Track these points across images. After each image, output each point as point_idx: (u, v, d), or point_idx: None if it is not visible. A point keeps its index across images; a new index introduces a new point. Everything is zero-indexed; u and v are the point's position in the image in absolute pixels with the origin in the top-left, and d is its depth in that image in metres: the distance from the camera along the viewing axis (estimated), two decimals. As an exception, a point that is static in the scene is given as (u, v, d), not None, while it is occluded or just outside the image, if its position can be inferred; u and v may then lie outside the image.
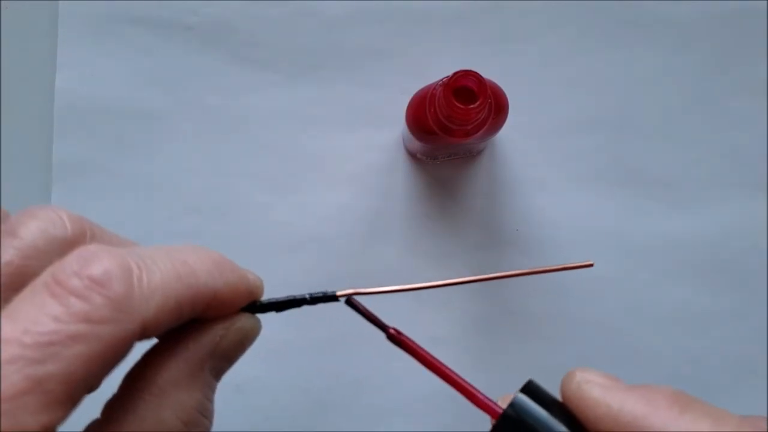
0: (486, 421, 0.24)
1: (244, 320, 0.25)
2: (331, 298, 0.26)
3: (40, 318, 0.19)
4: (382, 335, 0.25)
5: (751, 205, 0.49)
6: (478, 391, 0.24)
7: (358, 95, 0.49)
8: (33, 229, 0.22)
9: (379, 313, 0.26)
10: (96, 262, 0.20)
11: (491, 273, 0.48)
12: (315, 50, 0.49)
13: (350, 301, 0.25)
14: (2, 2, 0.49)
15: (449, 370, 0.24)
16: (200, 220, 0.49)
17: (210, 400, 0.23)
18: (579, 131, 0.49)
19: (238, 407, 0.48)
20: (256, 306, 0.25)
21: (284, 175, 0.49)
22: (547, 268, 0.27)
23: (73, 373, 0.19)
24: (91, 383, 0.20)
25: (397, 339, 0.25)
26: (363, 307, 0.25)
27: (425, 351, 0.24)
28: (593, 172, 0.49)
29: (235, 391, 0.48)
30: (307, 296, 0.25)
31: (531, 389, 0.24)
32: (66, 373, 0.19)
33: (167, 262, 0.22)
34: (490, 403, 0.23)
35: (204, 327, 0.24)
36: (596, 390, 0.23)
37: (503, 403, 0.23)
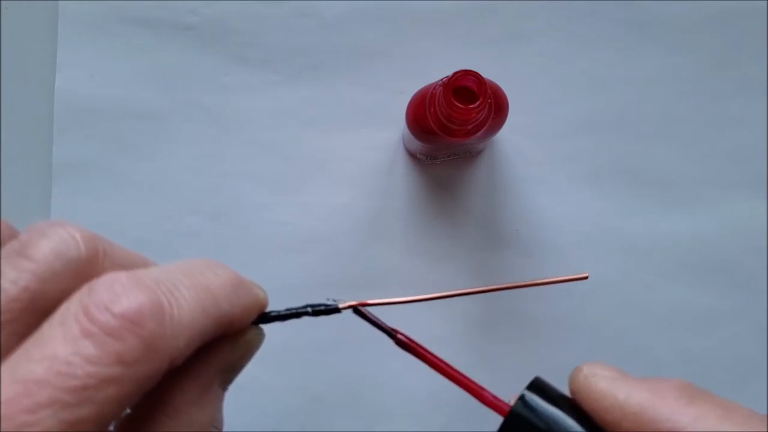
0: (484, 421, 0.24)
1: (250, 333, 0.25)
2: (334, 310, 0.26)
3: (73, 359, 0.19)
4: (380, 335, 0.26)
5: (751, 205, 0.49)
6: (486, 391, 0.24)
7: (358, 95, 0.49)
8: (46, 250, 0.21)
9: (382, 314, 0.26)
10: (127, 296, 0.20)
11: (491, 273, 0.48)
12: (314, 50, 0.49)
13: (357, 310, 0.26)
14: (2, 2, 0.49)
15: (457, 371, 0.25)
16: (200, 221, 0.49)
17: (220, 410, 0.24)
18: (579, 131, 0.49)
19: (239, 407, 0.48)
20: (262, 318, 0.25)
21: (284, 175, 0.49)
22: (543, 281, 0.28)
23: (105, 413, 0.19)
24: (119, 416, 0.20)
25: (405, 344, 0.25)
26: (371, 314, 0.26)
27: (433, 354, 0.25)
28: (593, 172, 0.49)
29: (236, 391, 0.48)
30: (309, 309, 0.26)
31: (538, 385, 0.24)
32: (99, 415, 0.19)
33: (192, 291, 0.21)
34: (498, 402, 0.24)
35: (213, 345, 0.24)
36: (603, 382, 0.23)
37: (513, 402, 0.24)
